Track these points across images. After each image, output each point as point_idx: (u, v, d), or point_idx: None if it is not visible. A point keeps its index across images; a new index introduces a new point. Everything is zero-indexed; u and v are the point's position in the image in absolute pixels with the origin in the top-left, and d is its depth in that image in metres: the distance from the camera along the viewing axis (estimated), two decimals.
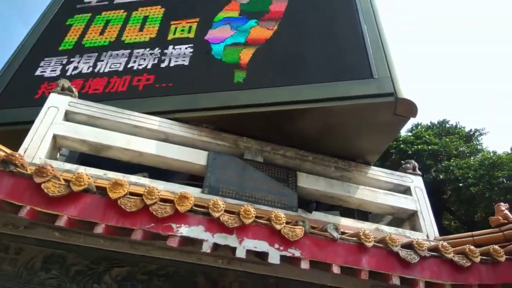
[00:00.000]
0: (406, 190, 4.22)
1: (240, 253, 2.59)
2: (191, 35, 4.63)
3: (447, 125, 12.46)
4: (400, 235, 3.69)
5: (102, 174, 3.19)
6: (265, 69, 4.09)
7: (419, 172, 4.41)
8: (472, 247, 3.17)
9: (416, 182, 4.29)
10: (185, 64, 4.29)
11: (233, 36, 4.50)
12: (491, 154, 10.21)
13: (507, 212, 3.76)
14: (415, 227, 3.99)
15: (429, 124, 12.64)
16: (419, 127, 12.50)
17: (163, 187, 3.23)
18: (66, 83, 3.69)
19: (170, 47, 4.51)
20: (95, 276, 2.76)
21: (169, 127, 3.76)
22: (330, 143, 4.06)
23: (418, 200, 4.10)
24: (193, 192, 3.28)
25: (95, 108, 3.63)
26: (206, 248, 2.56)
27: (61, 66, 4.49)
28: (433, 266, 2.98)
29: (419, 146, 10.75)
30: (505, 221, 3.70)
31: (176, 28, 4.76)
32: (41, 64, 4.58)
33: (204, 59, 4.32)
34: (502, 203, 3.89)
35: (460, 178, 9.69)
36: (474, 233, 3.76)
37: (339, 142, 4.07)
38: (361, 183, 4.10)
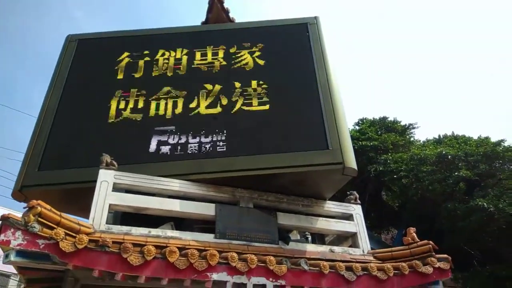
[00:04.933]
0: (350, 216, 5.99)
1: (249, 287, 4.24)
2: None
3: (387, 121, 14.68)
4: (345, 252, 5.50)
5: (147, 232, 4.60)
6: (252, 139, 5.55)
7: (359, 202, 6.19)
8: (389, 265, 5.03)
9: (357, 210, 6.07)
10: None
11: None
12: (420, 151, 12.49)
13: (414, 234, 5.67)
14: (355, 243, 5.79)
15: (372, 119, 14.80)
16: (364, 121, 14.61)
17: (190, 238, 4.72)
18: (108, 158, 4.95)
19: None
20: None
21: (185, 187, 5.18)
22: (299, 188, 5.69)
23: (358, 224, 5.89)
24: (208, 238, 4.86)
25: (132, 178, 4.95)
26: (229, 286, 4.18)
27: None
28: (364, 281, 4.80)
29: (363, 142, 12.84)
30: (412, 241, 5.62)
31: None
32: None
33: None
34: (412, 228, 5.78)
35: (395, 171, 11.92)
36: (392, 249, 5.65)
37: (306, 188, 5.70)
38: (319, 214, 5.82)
